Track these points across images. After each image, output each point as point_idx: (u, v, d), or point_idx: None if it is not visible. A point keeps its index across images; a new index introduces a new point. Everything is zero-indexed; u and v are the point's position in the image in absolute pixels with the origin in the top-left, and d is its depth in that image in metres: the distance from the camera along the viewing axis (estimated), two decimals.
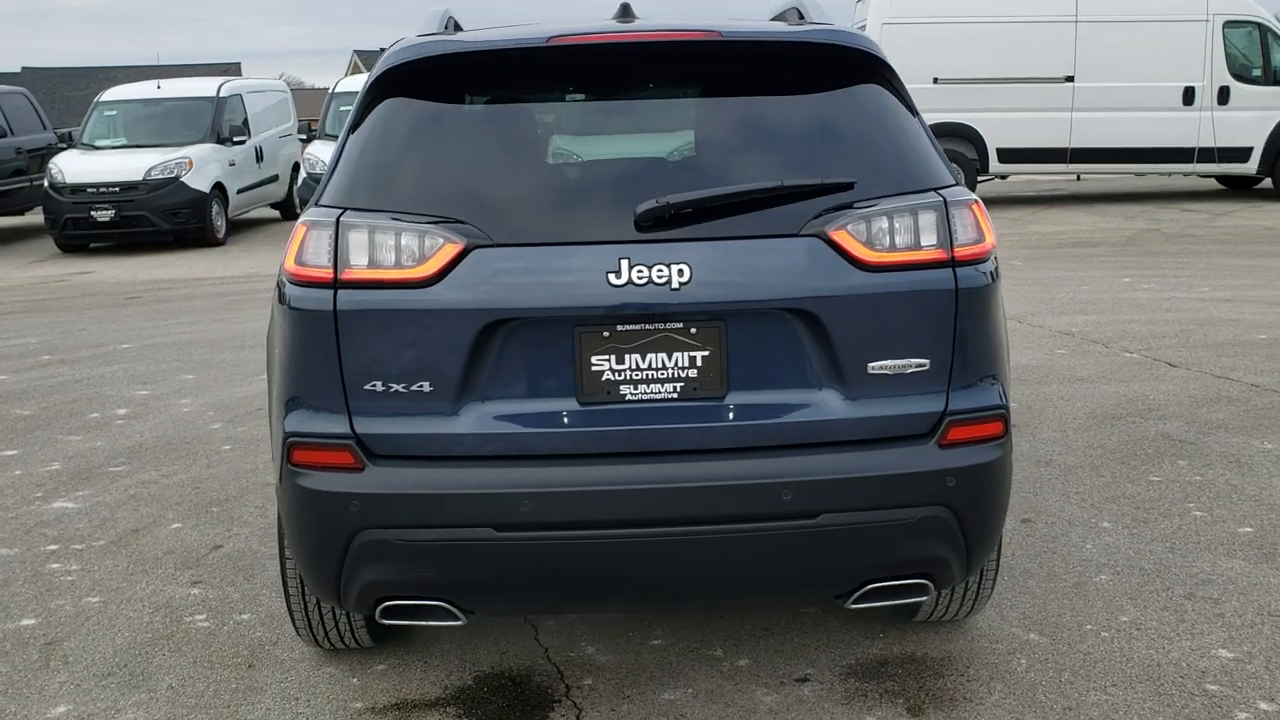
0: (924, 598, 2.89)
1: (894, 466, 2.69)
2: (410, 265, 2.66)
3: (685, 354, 2.68)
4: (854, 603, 2.85)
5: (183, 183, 14.57)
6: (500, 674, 3.43)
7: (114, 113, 16.23)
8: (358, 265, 2.68)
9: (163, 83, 16.91)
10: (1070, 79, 15.71)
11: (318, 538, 2.77)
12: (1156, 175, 17.22)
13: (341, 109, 16.05)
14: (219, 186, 15.26)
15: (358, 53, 32.16)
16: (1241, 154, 15.77)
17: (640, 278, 2.61)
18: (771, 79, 2.92)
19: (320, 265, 2.71)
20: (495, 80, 2.92)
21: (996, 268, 2.86)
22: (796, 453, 2.68)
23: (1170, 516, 4.51)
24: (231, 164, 15.75)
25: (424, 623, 2.86)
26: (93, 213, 14.43)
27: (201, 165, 14.92)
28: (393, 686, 3.38)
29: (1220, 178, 17.31)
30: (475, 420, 2.69)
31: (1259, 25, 15.81)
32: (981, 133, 15.86)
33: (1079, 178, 18.28)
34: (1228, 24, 15.66)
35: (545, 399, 2.70)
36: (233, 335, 8.89)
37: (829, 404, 2.71)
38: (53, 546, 4.56)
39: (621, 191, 2.72)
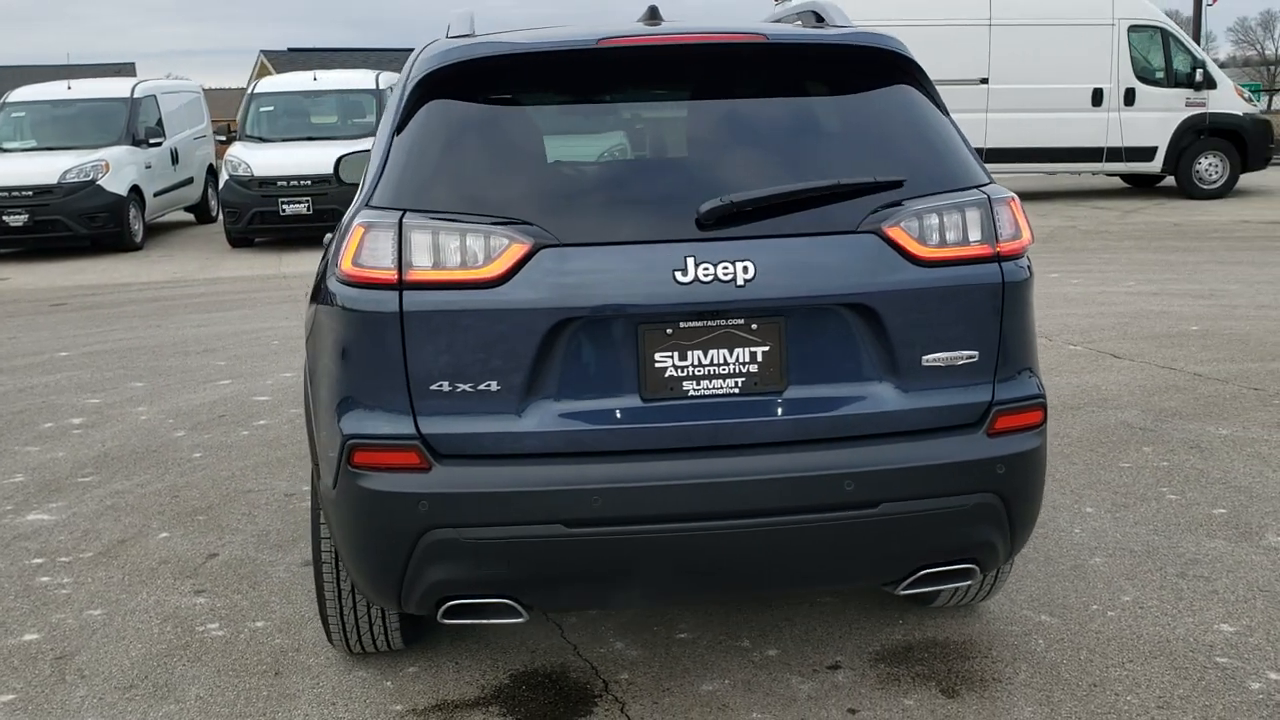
0: (969, 581, 2.99)
1: (948, 456, 2.78)
2: (477, 266, 2.66)
3: (746, 350, 2.74)
4: (905, 589, 2.94)
5: (99, 186, 14.16)
6: (535, 672, 3.45)
7: (22, 114, 15.70)
8: (421, 266, 2.68)
9: (73, 83, 16.39)
10: (985, 81, 16.15)
11: (381, 539, 2.76)
12: (1066, 174, 17.77)
13: (262, 110, 15.74)
14: (136, 190, 14.87)
15: (265, 53, 31.50)
16: (1147, 153, 16.38)
17: (706, 275, 2.66)
18: (813, 80, 3.00)
19: (382, 267, 2.71)
20: (546, 81, 2.94)
21: (1031, 262, 2.97)
22: (856, 444, 2.76)
23: (1147, 500, 4.71)
24: (148, 166, 15.36)
25: (484, 621, 2.87)
26: (4, 217, 13.93)
27: (118, 168, 14.53)
28: (429, 688, 3.37)
29: (1125, 176, 17.94)
30: (541, 418, 2.71)
31: (1160, 29, 16.44)
32: None
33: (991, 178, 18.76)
34: (1132, 28, 16.26)
35: (609, 396, 2.73)
36: (174, 341, 8.70)
37: (884, 396, 2.79)
38: (38, 560, 4.43)
39: (680, 190, 2.77)
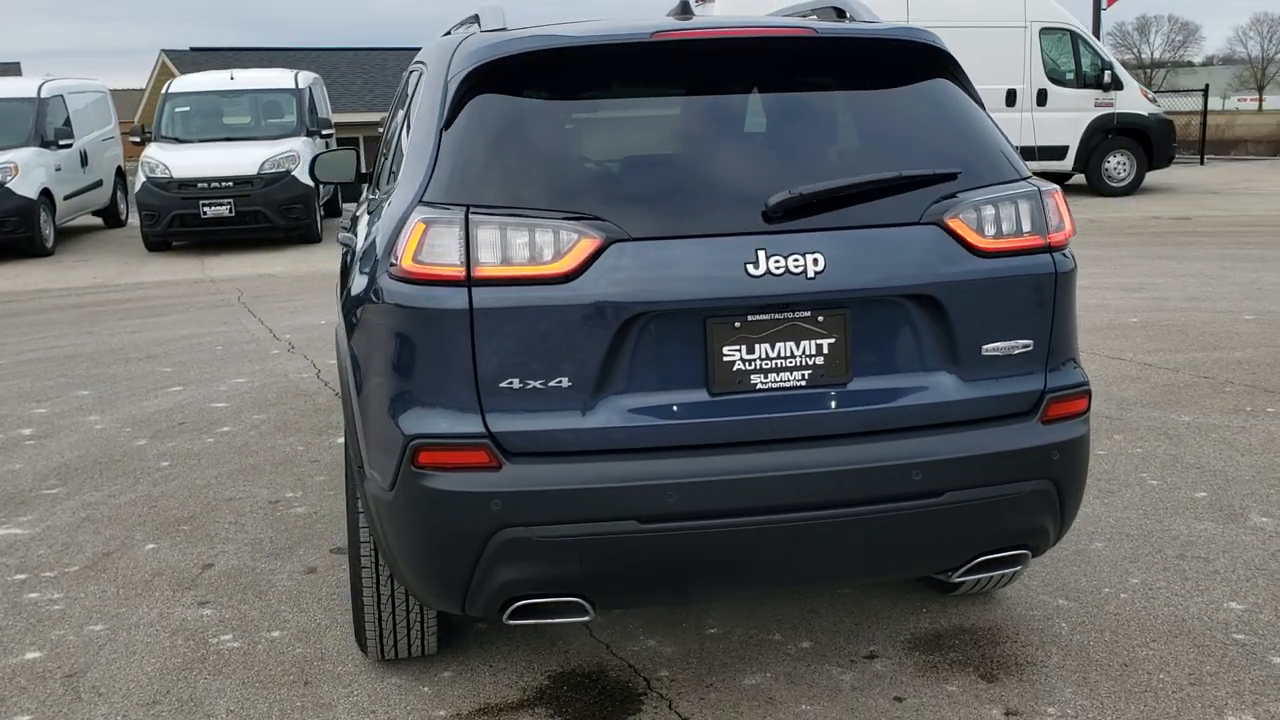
0: (1021, 566, 3.04)
1: (1008, 444, 2.83)
2: (547, 261, 2.63)
3: (812, 342, 2.74)
4: (960, 576, 2.98)
5: (9, 189, 13.61)
6: (573, 672, 3.41)
7: None
8: (489, 262, 2.64)
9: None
10: None
11: (449, 540, 2.70)
12: None
13: (178, 110, 15.29)
14: (46, 193, 14.34)
15: (166, 53, 30.58)
16: (1059, 152, 16.86)
17: (777, 268, 2.66)
18: (859, 74, 3.02)
19: (448, 263, 2.65)
20: (600, 75, 2.91)
21: (1073, 253, 3.04)
22: (921, 435, 2.79)
23: (1130, 486, 4.84)
24: (57, 169, 14.81)
25: (550, 620, 2.83)
26: None
27: (27, 170, 13.97)
28: (467, 692, 3.31)
29: (1036, 174, 18.41)
30: (611, 414, 2.68)
31: (1070, 32, 16.94)
32: None
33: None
34: (1043, 30, 16.72)
35: (677, 391, 2.72)
36: (112, 348, 8.41)
37: (946, 386, 2.82)
38: (20, 575, 4.25)
39: (743, 183, 2.77)
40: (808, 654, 3.48)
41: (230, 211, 13.69)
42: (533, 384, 2.65)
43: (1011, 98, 16.50)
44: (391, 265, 2.78)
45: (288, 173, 13.98)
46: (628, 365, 2.68)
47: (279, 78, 15.94)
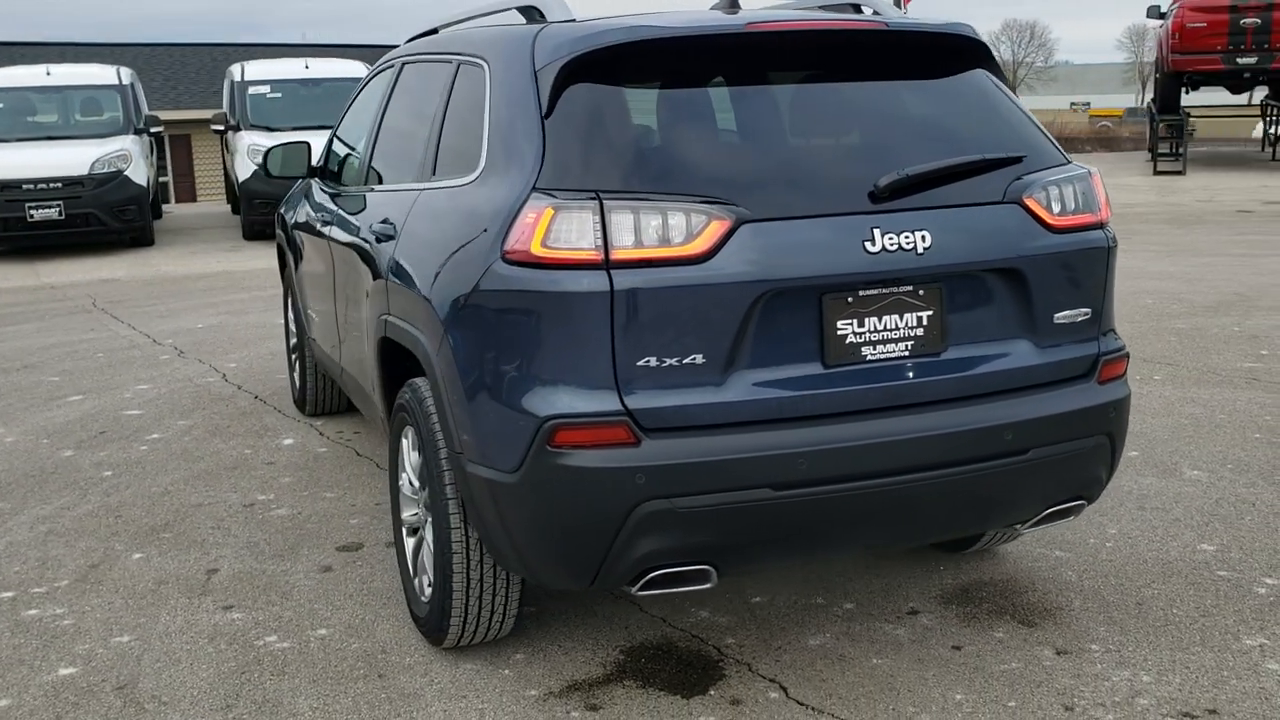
0: (1076, 516, 3.32)
1: (1078, 403, 3.10)
2: (681, 243, 2.73)
3: (914, 314, 2.94)
4: (1030, 526, 3.24)
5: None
6: (643, 646, 3.51)
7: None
8: (624, 245, 2.72)
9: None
10: None
11: (590, 515, 2.77)
12: None
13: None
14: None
15: None
16: None
17: (891, 245, 2.85)
18: (921, 65, 3.23)
19: (583, 247, 2.72)
20: (694, 63, 3.02)
21: None
22: (1007, 398, 3.02)
23: None
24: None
25: (677, 589, 2.93)
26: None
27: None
28: (549, 671, 3.37)
29: None
30: (740, 388, 2.80)
31: None
32: None
33: None
34: None
35: (795, 364, 2.86)
36: None
37: (1024, 352, 3.07)
38: (6, 593, 4.02)
39: (846, 165, 2.95)
40: (855, 614, 3.69)
41: (60, 214, 12.97)
42: (669, 361, 2.75)
43: None
44: (507, 252, 2.82)
45: (119, 172, 13.32)
46: (752, 341, 2.81)
47: (101, 73, 15.21)
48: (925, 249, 2.88)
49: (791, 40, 3.07)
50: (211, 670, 3.43)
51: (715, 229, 2.74)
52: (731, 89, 3.04)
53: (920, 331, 2.96)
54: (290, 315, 6.26)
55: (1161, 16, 20.15)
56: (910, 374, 2.94)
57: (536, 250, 2.76)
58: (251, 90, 15.01)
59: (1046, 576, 3.93)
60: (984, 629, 3.57)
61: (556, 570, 2.94)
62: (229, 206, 18.11)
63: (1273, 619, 3.57)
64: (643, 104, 2.94)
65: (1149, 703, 3.12)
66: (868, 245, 2.83)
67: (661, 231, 2.73)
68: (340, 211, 4.54)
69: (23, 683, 3.39)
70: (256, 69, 15.64)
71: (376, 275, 3.73)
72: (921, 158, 2.97)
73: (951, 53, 3.27)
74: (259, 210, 13.79)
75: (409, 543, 3.70)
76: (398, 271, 3.49)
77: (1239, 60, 19.03)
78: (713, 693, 3.24)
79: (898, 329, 2.93)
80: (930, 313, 2.96)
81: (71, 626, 3.74)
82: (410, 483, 3.63)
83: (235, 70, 15.76)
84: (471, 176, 3.19)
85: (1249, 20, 18.84)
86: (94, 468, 5.39)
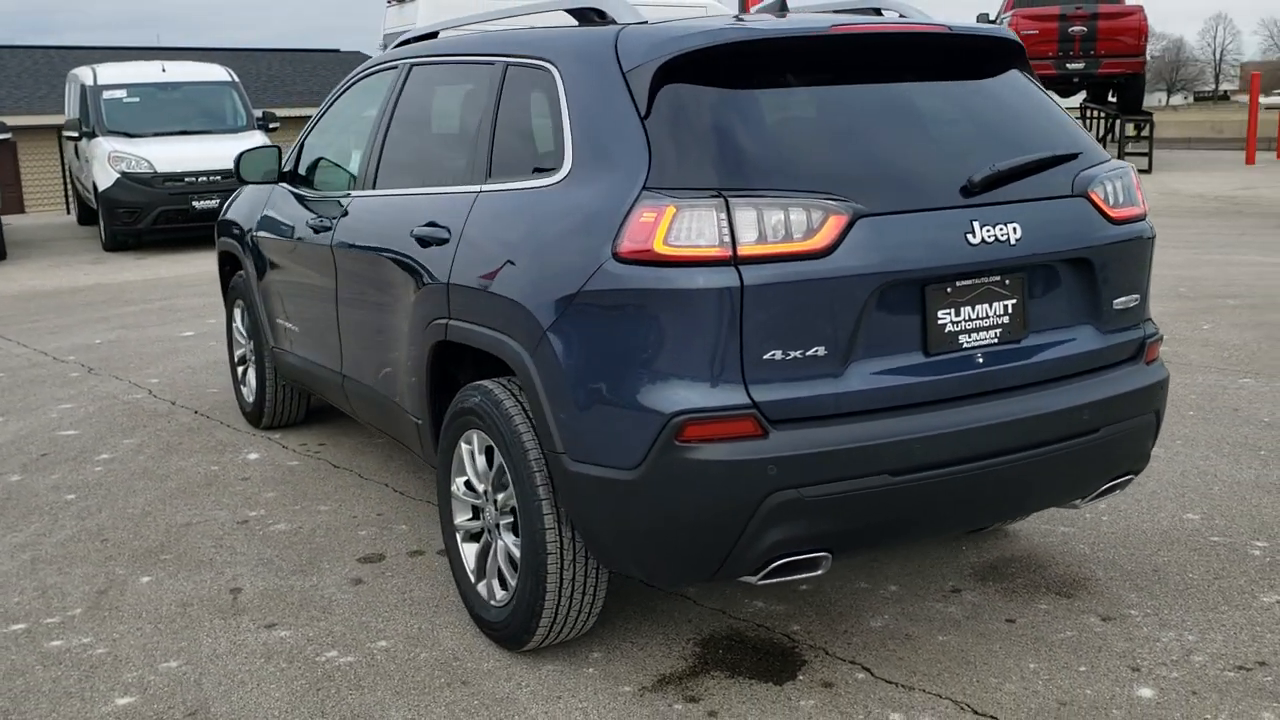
0: (1124, 489, 3.54)
1: (1135, 383, 3.31)
2: (803, 237, 2.80)
3: (1000, 303, 3.09)
4: (1088, 501, 3.43)
5: None
6: (715, 637, 3.57)
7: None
8: (749, 241, 2.77)
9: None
10: None
11: (718, 507, 2.81)
12: None
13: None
14: None
15: None
16: None
17: (989, 237, 2.99)
18: (976, 67, 3.38)
19: (710, 244, 2.77)
20: (783, 64, 3.09)
21: None
22: (1081, 380, 3.21)
23: None
24: None
25: (796, 576, 3.00)
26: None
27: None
28: (634, 668, 3.39)
29: None
30: (858, 378, 2.90)
31: None
32: None
33: None
34: None
35: (903, 354, 2.97)
36: None
37: (1089, 336, 3.26)
38: (18, 625, 3.79)
39: (936, 161, 3.07)
40: (903, 596, 3.83)
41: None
42: (793, 354, 2.82)
43: None
44: (620, 252, 2.85)
45: None
46: (865, 332, 2.91)
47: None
48: (1016, 240, 3.03)
49: (871, 42, 3.19)
50: (283, 689, 3.33)
51: (834, 224, 2.82)
52: (821, 89, 3.13)
53: (1006, 319, 3.11)
54: (239, 326, 6.06)
55: (992, 24, 21.22)
56: (999, 360, 3.09)
57: (659, 249, 2.79)
58: (107, 95, 14.33)
59: (1062, 550, 4.16)
60: (1028, 602, 3.76)
61: (678, 565, 2.98)
62: (73, 217, 17.20)
63: (1275, 576, 3.87)
64: (742, 104, 3.00)
65: (1204, 659, 3.35)
66: (969, 237, 2.97)
67: (784, 227, 2.80)
68: (343, 217, 4.43)
69: (81, 715, 3.22)
70: (110, 73, 14.95)
71: (425, 279, 3.67)
72: (997, 153, 3.13)
73: (1000, 55, 3.44)
74: (122, 219, 13.25)
75: (467, 549, 3.67)
76: (463, 274, 3.45)
77: (1068, 65, 20.24)
78: (801, 678, 3.32)
79: (987, 317, 3.08)
80: (1014, 301, 3.12)
81: (107, 655, 3.56)
82: (472, 487, 3.59)
83: (84, 74, 15.01)
84: (556, 178, 3.19)
85: (1076, 29, 20.06)
86: (52, 491, 5.10)
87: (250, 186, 6.11)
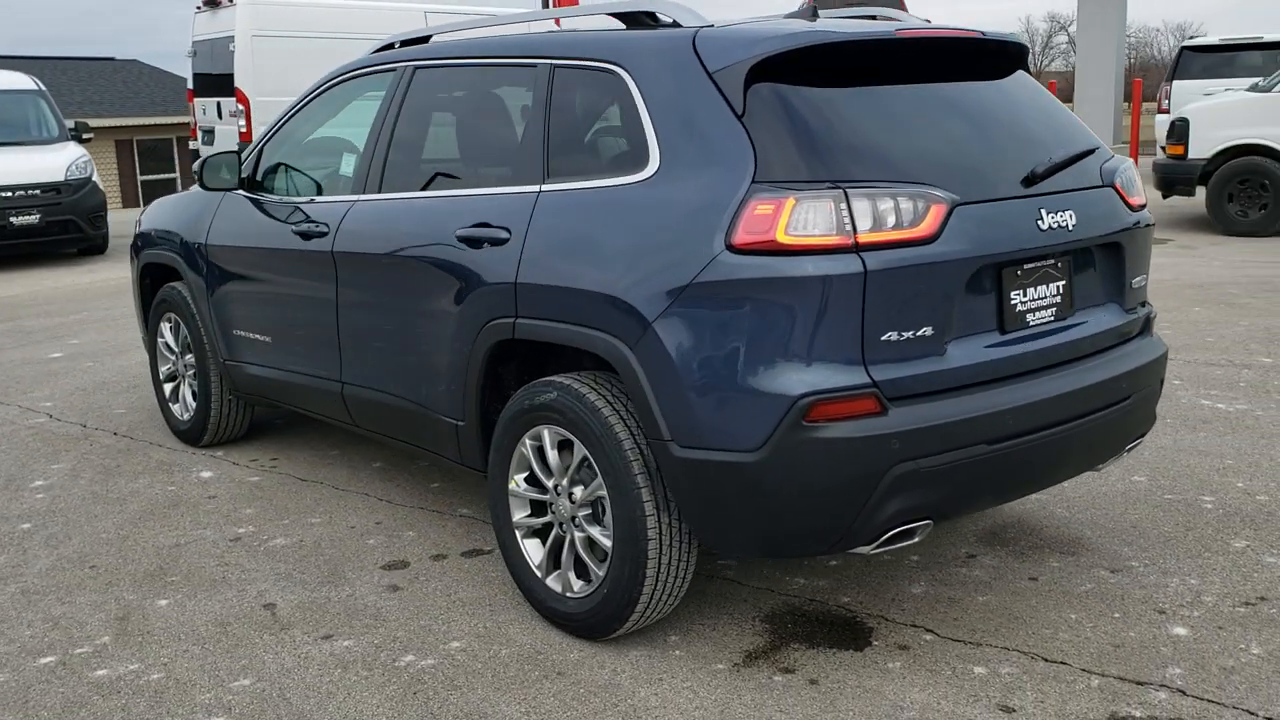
0: (1134, 450, 3.91)
1: (1150, 354, 3.67)
2: (911, 226, 3.01)
3: (1054, 284, 3.39)
4: (1109, 464, 3.77)
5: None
6: (776, 614, 3.73)
7: None
8: (865, 229, 2.96)
9: None
10: None
11: (845, 482, 2.97)
12: None
13: None
14: None
15: None
16: None
17: (1054, 223, 3.28)
18: (1000, 68, 3.67)
19: (831, 233, 2.94)
20: (858, 65, 3.28)
21: None
22: (1113, 352, 3.54)
23: None
24: None
25: (902, 544, 3.19)
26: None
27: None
28: (716, 646, 3.52)
29: None
30: (956, 355, 3.12)
31: None
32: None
33: None
34: None
35: (985, 332, 3.22)
36: None
37: (1116, 312, 3.60)
38: (47, 659, 3.59)
39: (996, 153, 3.34)
40: (928, 564, 4.10)
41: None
42: (906, 335, 3.03)
43: None
44: (735, 243, 2.98)
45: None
46: (959, 313, 3.15)
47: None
48: (1073, 226, 3.34)
49: (927, 46, 3.43)
50: (378, 696, 3.29)
51: (937, 212, 3.05)
52: (892, 88, 3.34)
53: (1058, 299, 3.41)
54: (167, 342, 5.80)
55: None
56: (1055, 336, 3.39)
57: (781, 238, 2.95)
58: None
59: (1044, 514, 4.53)
60: (1040, 561, 4.09)
61: (800, 539, 3.13)
62: None
63: (1238, 525, 4.35)
64: (834, 101, 3.18)
65: (1213, 599, 3.75)
66: (1039, 224, 3.25)
67: (894, 215, 3.00)
68: (343, 222, 4.35)
69: None
70: None
71: (477, 280, 3.69)
72: (1037, 147, 3.43)
73: (1014, 57, 3.75)
74: None
75: (529, 545, 3.71)
76: (534, 272, 3.49)
77: None
78: (876, 643, 3.53)
79: (1045, 297, 3.37)
80: (1064, 282, 3.42)
81: (166, 680, 3.43)
82: (535, 482, 3.64)
83: None
84: (642, 175, 3.28)
85: None
86: (1, 522, 4.78)
87: (174, 195, 5.90)
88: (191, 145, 17.44)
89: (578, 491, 3.49)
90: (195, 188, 5.85)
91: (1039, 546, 4.22)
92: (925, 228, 3.03)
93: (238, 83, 15.29)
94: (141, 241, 5.87)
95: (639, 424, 3.27)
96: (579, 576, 3.56)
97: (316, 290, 4.51)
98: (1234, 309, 8.31)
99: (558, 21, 4.02)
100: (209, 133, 16.49)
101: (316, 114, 4.93)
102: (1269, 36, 17.63)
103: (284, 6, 15.77)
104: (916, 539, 3.22)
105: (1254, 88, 12.65)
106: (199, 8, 16.70)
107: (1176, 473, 4.93)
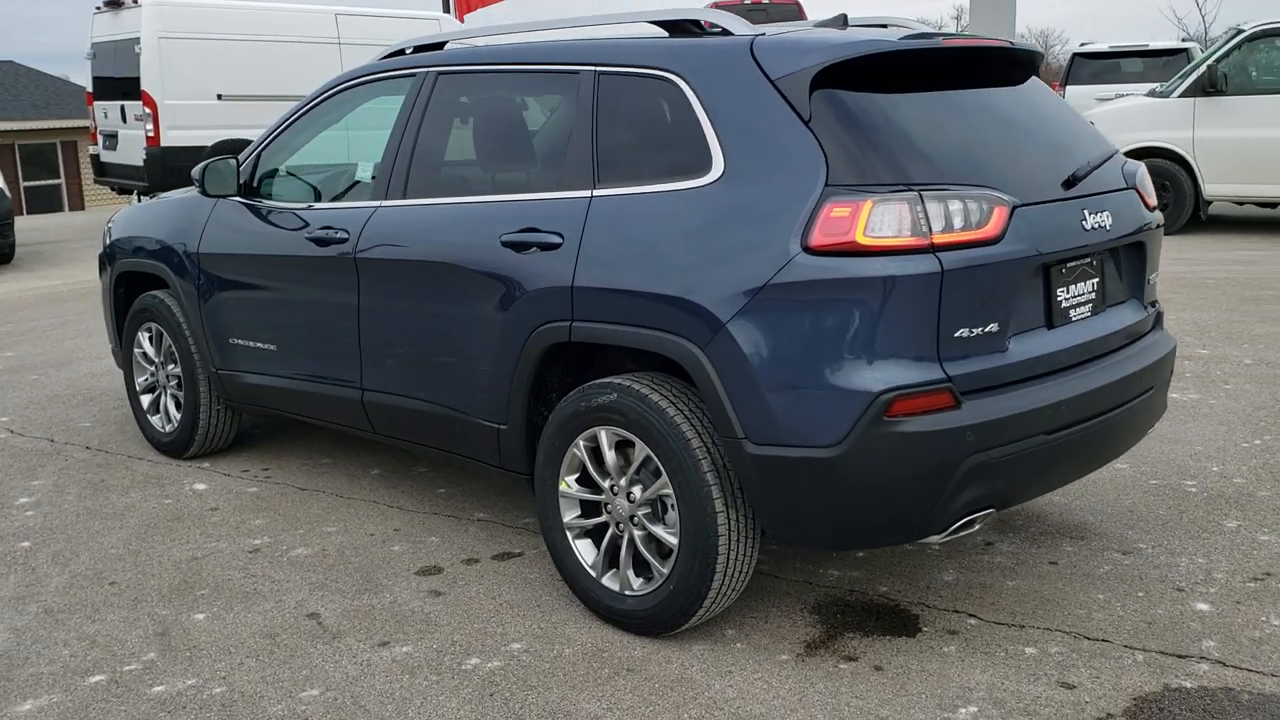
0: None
1: (1165, 348, 3.88)
2: (978, 227, 3.15)
3: (1090, 281, 3.57)
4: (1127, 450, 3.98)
5: None
6: (822, 605, 3.84)
7: None
8: (938, 230, 3.09)
9: None
10: None
11: (924, 474, 3.10)
12: None
13: None
14: None
15: None
16: None
17: (1096, 224, 3.46)
18: (1020, 75, 3.84)
19: (908, 235, 3.06)
20: (908, 72, 3.42)
21: None
22: (1138, 345, 3.75)
23: None
24: None
25: (966, 533, 3.33)
26: None
27: None
28: (774, 638, 3.61)
29: None
30: (1017, 350, 3.28)
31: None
32: None
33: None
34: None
35: (1036, 327, 3.38)
36: None
37: (1136, 309, 3.81)
38: (97, 677, 3.51)
39: (1036, 157, 3.51)
40: (950, 553, 4.26)
41: None
42: (976, 331, 3.17)
43: None
44: (811, 245, 3.09)
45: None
46: (1017, 309, 3.30)
47: None
48: (1110, 226, 3.53)
49: (969, 55, 3.59)
50: (455, 699, 3.31)
51: (1000, 213, 3.19)
52: (940, 94, 3.49)
53: (1093, 296, 3.60)
54: (146, 352, 5.67)
55: None
56: (1092, 331, 3.57)
57: (861, 239, 3.06)
58: None
59: (1046, 502, 4.74)
60: (1054, 546, 4.29)
61: (877, 531, 3.24)
62: None
63: (1225, 507, 4.61)
64: (898, 107, 3.30)
65: (1224, 576, 3.99)
66: (1084, 224, 3.43)
67: (964, 217, 3.14)
68: (365, 227, 4.33)
69: None
70: None
71: (526, 284, 3.72)
72: (1066, 150, 3.62)
73: (1031, 65, 3.94)
74: None
75: (581, 545, 3.75)
76: (592, 276, 3.54)
77: None
78: (926, 629, 3.67)
79: (1083, 294, 3.55)
80: (1098, 279, 3.61)
81: (229, 694, 3.38)
82: (589, 483, 3.69)
83: None
84: (706, 179, 3.36)
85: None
86: None
87: (147, 203, 5.79)
88: (91, 150, 16.91)
89: (636, 491, 3.55)
90: (176, 193, 5.74)
91: (1050, 532, 4.42)
92: (991, 228, 3.17)
93: (144, 85, 14.88)
94: (114, 251, 5.72)
95: (707, 423, 3.35)
96: (637, 574, 3.62)
97: (334, 296, 4.48)
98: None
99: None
100: (111, 137, 16.00)
101: (321, 120, 4.89)
102: (1155, 44, 18.57)
103: (191, 8, 15.40)
104: (977, 528, 3.37)
105: (1152, 93, 13.29)
106: (98, 9, 16.18)
107: (1155, 460, 5.19)
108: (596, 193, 3.63)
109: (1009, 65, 3.83)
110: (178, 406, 5.53)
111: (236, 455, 5.66)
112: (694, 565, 3.41)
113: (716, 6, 21.38)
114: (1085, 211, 3.46)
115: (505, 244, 3.81)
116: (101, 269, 5.92)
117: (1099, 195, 3.56)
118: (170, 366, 5.55)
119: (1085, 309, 3.57)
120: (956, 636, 3.61)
